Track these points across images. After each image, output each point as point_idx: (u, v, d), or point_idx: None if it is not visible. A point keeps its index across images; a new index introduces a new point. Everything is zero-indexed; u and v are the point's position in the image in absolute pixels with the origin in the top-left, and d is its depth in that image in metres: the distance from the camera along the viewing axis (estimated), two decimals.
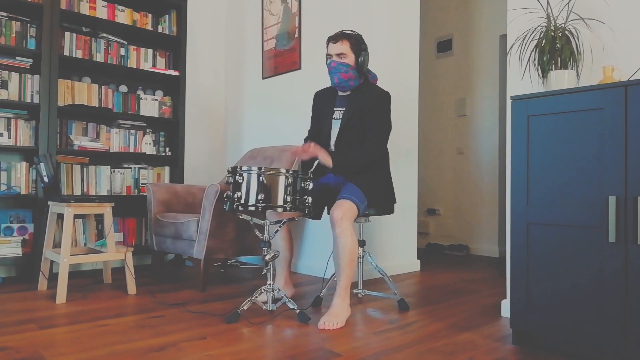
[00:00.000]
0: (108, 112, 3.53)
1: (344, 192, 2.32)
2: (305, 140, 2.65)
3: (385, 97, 2.44)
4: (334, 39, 2.42)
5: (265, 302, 2.37)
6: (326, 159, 2.32)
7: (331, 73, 2.42)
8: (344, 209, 2.24)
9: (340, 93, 2.54)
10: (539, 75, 2.04)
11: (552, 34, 1.97)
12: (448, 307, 2.57)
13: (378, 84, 2.85)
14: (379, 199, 2.43)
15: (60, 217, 3.24)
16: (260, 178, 2.17)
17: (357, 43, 2.42)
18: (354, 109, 2.43)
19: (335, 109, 2.53)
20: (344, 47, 2.39)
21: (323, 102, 2.60)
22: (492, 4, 4.57)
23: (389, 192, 2.50)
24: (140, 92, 3.80)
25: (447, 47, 4.95)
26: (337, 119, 2.50)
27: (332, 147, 2.49)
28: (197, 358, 1.77)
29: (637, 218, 1.60)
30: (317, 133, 2.61)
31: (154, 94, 3.91)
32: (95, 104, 3.56)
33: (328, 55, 2.45)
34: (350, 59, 2.40)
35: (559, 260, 1.80)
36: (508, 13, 2.37)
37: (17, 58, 3.25)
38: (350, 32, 2.45)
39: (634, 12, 1.98)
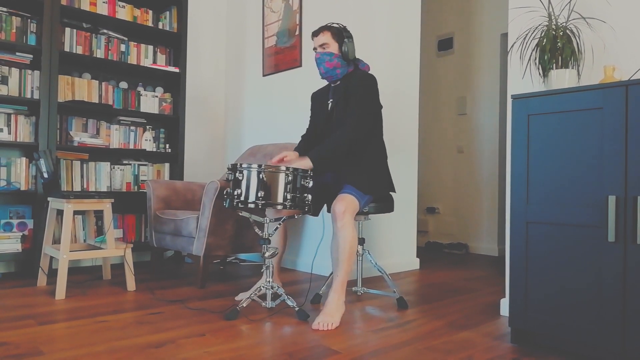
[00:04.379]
0: (108, 108, 3.53)
1: (345, 188, 2.32)
2: (302, 137, 2.68)
3: (366, 78, 2.41)
4: (315, 32, 2.48)
5: (265, 299, 2.38)
6: (303, 164, 2.28)
7: (317, 64, 2.46)
8: (347, 202, 2.24)
9: (332, 85, 2.55)
10: (539, 74, 2.04)
11: (553, 33, 1.97)
12: (447, 305, 2.57)
13: (377, 77, 2.84)
14: (378, 191, 2.41)
15: (59, 213, 3.24)
16: (260, 175, 2.17)
17: (339, 32, 2.44)
18: (339, 96, 2.44)
19: (329, 101, 2.55)
20: (325, 37, 2.43)
21: (320, 100, 2.63)
22: (493, 3, 4.56)
23: (387, 184, 2.49)
24: (140, 89, 3.80)
25: (448, 46, 4.94)
26: (329, 110, 2.53)
27: None
28: (195, 355, 1.77)
29: (637, 217, 1.60)
30: (314, 131, 2.63)
31: (154, 91, 3.90)
32: (95, 100, 3.56)
33: (314, 49, 2.49)
34: (333, 47, 2.43)
35: (559, 259, 1.80)
36: (509, 12, 2.36)
37: (17, 54, 3.25)
38: (332, 24, 2.48)
39: (635, 11, 1.98)
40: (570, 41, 1.96)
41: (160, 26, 3.87)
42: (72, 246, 2.92)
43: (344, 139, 2.31)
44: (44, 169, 2.78)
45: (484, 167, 4.61)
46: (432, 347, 1.90)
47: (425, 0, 5.01)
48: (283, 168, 2.20)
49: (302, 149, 2.61)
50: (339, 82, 2.50)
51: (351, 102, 2.38)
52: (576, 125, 1.76)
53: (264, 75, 3.95)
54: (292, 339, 1.97)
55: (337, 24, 2.48)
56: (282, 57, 3.76)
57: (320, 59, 2.43)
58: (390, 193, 2.58)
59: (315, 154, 2.31)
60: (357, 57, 2.59)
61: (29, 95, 3.26)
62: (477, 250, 4.62)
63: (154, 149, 3.83)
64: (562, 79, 1.90)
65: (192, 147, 4.19)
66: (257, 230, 2.36)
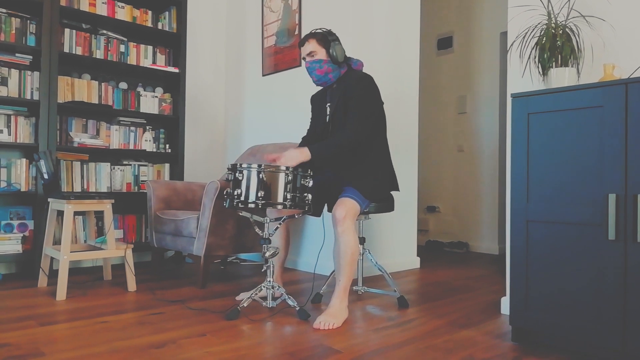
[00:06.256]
0: (108, 109, 3.53)
1: (346, 192, 2.32)
2: (303, 139, 2.68)
3: (363, 79, 2.39)
4: (301, 42, 2.48)
5: (265, 299, 2.38)
6: (302, 153, 2.27)
7: (309, 73, 2.46)
8: (347, 207, 2.23)
9: (329, 89, 2.54)
10: (539, 72, 2.04)
11: (553, 31, 1.97)
12: (447, 304, 2.57)
13: (376, 77, 2.82)
14: (381, 196, 2.42)
15: (60, 214, 3.24)
16: (260, 175, 2.17)
17: (324, 37, 2.42)
18: (337, 99, 2.43)
19: (327, 105, 2.53)
20: (311, 45, 2.42)
21: (319, 102, 2.61)
22: (492, 1, 4.56)
23: (391, 185, 2.49)
24: (140, 89, 3.80)
25: (448, 44, 4.94)
26: (328, 114, 2.51)
27: None
28: (196, 355, 1.77)
29: (637, 216, 1.60)
30: (314, 133, 2.62)
31: (153, 91, 3.90)
32: (95, 100, 3.56)
33: (303, 59, 2.48)
34: (320, 54, 2.41)
35: (559, 257, 1.80)
36: (509, 10, 2.36)
37: (17, 55, 3.25)
38: (315, 30, 2.47)
39: (635, 9, 1.98)
40: (569, 39, 1.96)
41: (159, 26, 3.87)
42: (72, 247, 2.92)
43: (345, 141, 2.30)
44: (44, 169, 2.78)
45: (484, 165, 4.61)
46: (433, 346, 1.90)
47: None
48: (283, 168, 2.20)
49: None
50: (335, 85, 2.48)
51: (350, 105, 2.36)
52: (576, 124, 1.76)
53: (263, 75, 3.95)
54: (293, 338, 1.97)
55: (321, 29, 2.47)
56: (281, 57, 3.76)
57: (311, 68, 2.42)
58: (391, 192, 2.58)
59: (315, 149, 2.30)
60: (349, 56, 2.56)
61: (28, 96, 3.26)
62: (478, 249, 4.62)
63: (154, 150, 3.83)
64: (562, 77, 1.90)
65: (192, 147, 4.19)
66: (257, 230, 2.36)
